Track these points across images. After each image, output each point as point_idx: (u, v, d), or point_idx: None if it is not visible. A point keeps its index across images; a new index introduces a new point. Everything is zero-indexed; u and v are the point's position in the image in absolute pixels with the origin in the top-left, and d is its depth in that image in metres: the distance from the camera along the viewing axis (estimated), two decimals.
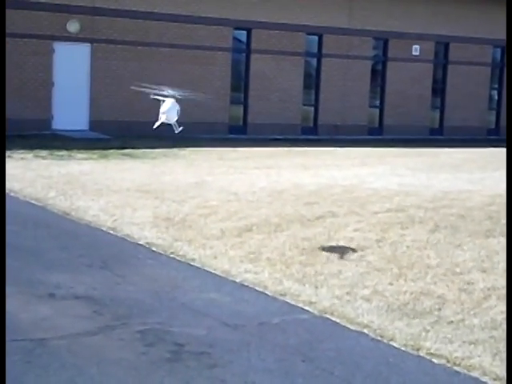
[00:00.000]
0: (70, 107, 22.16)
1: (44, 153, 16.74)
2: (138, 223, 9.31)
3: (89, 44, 22.40)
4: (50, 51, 21.99)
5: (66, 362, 4.87)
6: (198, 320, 5.85)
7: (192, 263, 7.62)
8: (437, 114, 28.40)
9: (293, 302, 6.36)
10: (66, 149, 17.61)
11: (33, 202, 10.75)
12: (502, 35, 26.09)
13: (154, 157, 17.01)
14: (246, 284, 6.90)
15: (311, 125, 26.07)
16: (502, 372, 4.94)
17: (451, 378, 4.91)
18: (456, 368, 5.03)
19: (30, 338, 5.24)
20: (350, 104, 26.12)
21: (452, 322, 5.89)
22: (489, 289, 6.75)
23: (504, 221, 9.49)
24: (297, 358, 5.10)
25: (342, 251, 8.04)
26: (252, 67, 24.80)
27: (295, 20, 24.60)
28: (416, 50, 27.07)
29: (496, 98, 29.53)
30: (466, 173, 15.12)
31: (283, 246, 8.23)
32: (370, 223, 9.35)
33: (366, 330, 5.69)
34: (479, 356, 5.19)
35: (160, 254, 7.99)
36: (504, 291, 6.66)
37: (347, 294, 6.57)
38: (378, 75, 27.19)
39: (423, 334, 5.61)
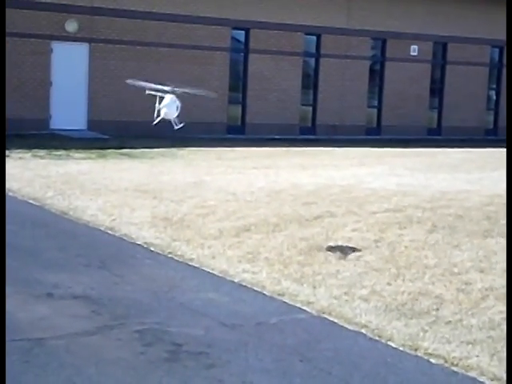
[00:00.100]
0: (68, 107, 22.15)
1: (42, 152, 16.73)
2: (136, 223, 9.31)
3: (87, 44, 22.39)
4: (49, 51, 21.98)
5: (64, 361, 4.87)
6: (196, 320, 5.85)
7: (190, 263, 7.62)
8: (435, 114, 28.41)
9: (291, 302, 6.36)
10: (64, 148, 17.61)
11: (31, 201, 10.75)
12: (500, 35, 26.11)
13: (152, 156, 17.01)
14: (244, 284, 6.90)
15: (309, 125, 26.07)
16: (500, 372, 4.94)
17: (449, 378, 4.92)
18: (454, 368, 5.03)
19: (28, 338, 5.24)
20: (348, 104, 26.13)
21: (450, 322, 5.89)
22: (487, 289, 6.75)
23: (502, 221, 9.50)
24: (295, 358, 5.10)
25: (340, 251, 8.04)
26: (250, 67, 24.80)
27: (293, 20, 24.61)
28: (414, 50, 27.08)
29: (494, 98, 29.54)
30: (464, 173, 15.12)
31: (281, 246, 8.24)
32: (368, 223, 9.35)
33: (363, 330, 5.69)
34: (477, 356, 5.20)
35: (158, 253, 7.99)
36: (502, 291, 6.66)
37: (345, 293, 6.58)
38: (377, 75, 27.20)
39: (421, 334, 5.61)
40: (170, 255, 7.90)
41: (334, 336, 5.64)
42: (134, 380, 4.68)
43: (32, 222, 9.51)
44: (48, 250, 8.02)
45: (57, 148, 17.59)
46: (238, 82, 25.04)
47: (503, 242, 8.47)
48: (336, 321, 5.91)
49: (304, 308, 6.21)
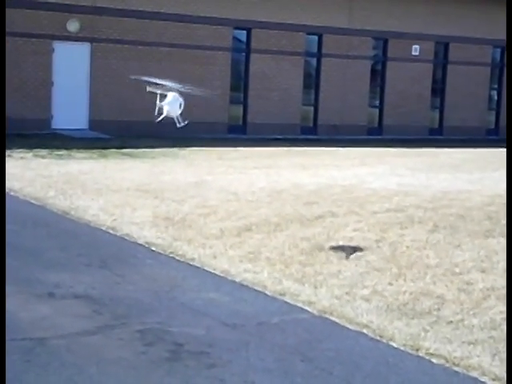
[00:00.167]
0: (70, 106, 22.16)
1: (43, 152, 16.74)
2: (138, 223, 9.31)
3: (89, 43, 22.39)
4: (50, 50, 21.99)
5: (66, 361, 4.87)
6: (197, 320, 5.85)
7: (191, 263, 7.62)
8: (436, 114, 28.40)
9: (292, 302, 6.36)
10: (66, 148, 17.61)
11: (32, 201, 10.75)
12: (501, 35, 26.08)
13: (153, 156, 17.01)
14: (245, 284, 6.90)
15: (311, 125, 26.07)
16: (501, 372, 4.94)
17: (450, 378, 4.92)
18: (455, 368, 5.03)
19: (30, 337, 5.24)
20: (349, 104, 26.12)
21: (451, 322, 5.89)
22: (488, 289, 6.75)
23: (503, 221, 9.49)
24: (296, 358, 5.10)
25: (342, 251, 8.04)
26: (252, 67, 24.80)
27: (295, 20, 24.60)
28: (416, 49, 27.08)
29: (495, 98, 29.53)
30: (465, 173, 15.12)
31: (283, 246, 8.24)
32: (369, 223, 9.35)
33: (365, 330, 5.69)
34: (478, 356, 5.19)
35: (159, 253, 7.99)
36: (503, 291, 6.66)
37: (346, 293, 6.57)
38: (378, 75, 27.19)
39: (422, 333, 5.61)
40: (171, 255, 7.90)
41: (335, 336, 5.64)
42: (135, 380, 4.68)
43: (33, 221, 9.52)
44: (49, 249, 8.02)
45: (58, 148, 17.59)
46: (240, 82, 25.04)
47: (504, 241, 8.46)
48: (337, 321, 5.91)
49: (305, 308, 6.20)
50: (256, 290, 6.70)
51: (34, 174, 13.25)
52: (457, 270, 7.39)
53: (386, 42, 26.75)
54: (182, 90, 8.93)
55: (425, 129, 27.67)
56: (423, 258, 7.80)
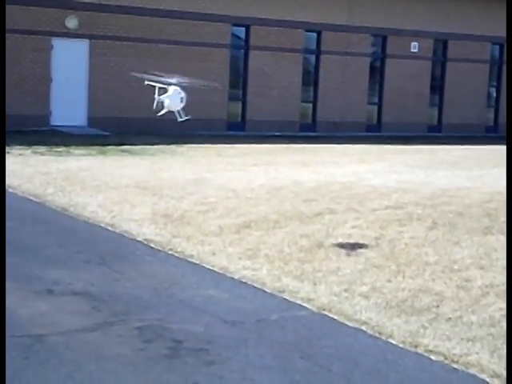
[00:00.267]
0: (69, 103, 22.14)
1: (42, 149, 16.73)
2: (137, 219, 9.31)
3: (87, 40, 22.37)
4: (49, 47, 21.96)
5: (65, 357, 4.87)
6: (196, 316, 5.86)
7: (190, 260, 7.62)
8: (435, 111, 28.40)
9: (291, 299, 6.36)
10: (65, 145, 17.60)
11: (31, 198, 10.75)
12: (500, 32, 26.09)
13: (152, 153, 17.01)
14: (244, 281, 6.90)
15: (310, 121, 26.07)
16: (500, 369, 4.94)
17: (449, 375, 4.92)
18: (454, 365, 5.03)
19: (29, 334, 5.24)
20: (348, 101, 26.12)
21: (450, 319, 5.90)
22: (487, 286, 6.76)
23: (502, 218, 9.50)
24: (295, 355, 5.11)
25: (343, 248, 8.04)
26: (251, 64, 24.79)
27: (294, 17, 24.59)
28: (415, 47, 27.06)
29: (494, 95, 29.52)
30: (464, 170, 15.13)
31: (282, 243, 8.24)
32: (368, 220, 9.35)
33: (364, 327, 5.69)
34: (477, 353, 5.20)
35: (158, 250, 7.99)
36: (502, 288, 6.67)
37: (345, 290, 6.57)
38: (377, 72, 27.18)
39: (421, 330, 5.61)
40: (170, 252, 7.90)
41: (334, 333, 5.64)
42: (134, 376, 4.68)
43: (32, 218, 9.51)
44: (48, 246, 8.02)
45: (57, 144, 17.59)
46: (239, 79, 25.02)
47: (503, 239, 8.47)
48: (336, 318, 5.91)
49: (304, 305, 6.21)
50: (255, 287, 6.70)
51: (32, 170, 13.24)
52: (456, 267, 7.40)
53: (384, 39, 26.73)
54: (184, 83, 8.89)
55: (424, 126, 27.67)
56: (422, 255, 7.81)
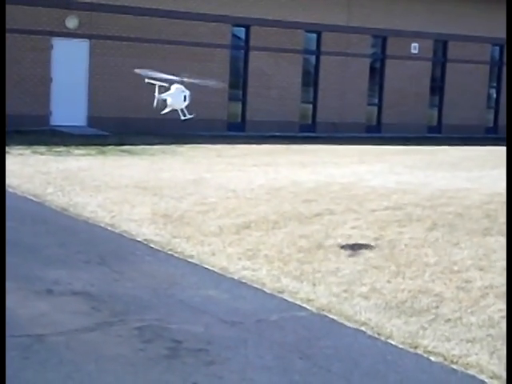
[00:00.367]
0: (69, 103, 22.15)
1: (42, 149, 16.73)
2: (136, 220, 9.31)
3: (87, 40, 22.38)
4: (49, 47, 21.97)
5: (64, 357, 4.87)
6: (195, 317, 5.86)
7: (190, 260, 7.62)
8: (435, 112, 28.40)
9: (291, 300, 6.36)
10: (65, 145, 17.60)
11: (31, 197, 10.75)
12: (500, 33, 26.10)
13: (152, 153, 17.01)
14: (243, 281, 6.90)
15: (309, 122, 26.07)
16: (499, 370, 4.94)
17: (448, 376, 4.92)
18: (453, 366, 5.03)
19: (28, 334, 5.24)
20: (348, 102, 26.12)
21: (449, 319, 5.90)
22: (486, 287, 6.76)
23: (502, 219, 9.50)
24: (294, 355, 5.11)
25: (341, 248, 8.04)
26: (250, 64, 24.79)
27: (294, 17, 24.60)
28: (415, 48, 27.07)
29: (494, 96, 29.53)
30: (464, 171, 15.13)
31: (281, 244, 8.24)
32: (367, 221, 9.35)
33: (363, 328, 5.69)
34: (476, 354, 5.20)
35: (158, 250, 7.99)
36: (502, 289, 6.67)
37: (345, 291, 6.58)
38: (377, 73, 27.18)
39: (421, 331, 5.61)
40: (169, 252, 7.90)
41: (333, 333, 5.64)
42: (133, 376, 4.68)
43: (32, 218, 9.51)
44: (48, 246, 8.02)
45: (57, 144, 17.59)
46: (239, 79, 25.03)
47: (503, 240, 8.47)
48: (336, 318, 5.91)
49: (304, 305, 6.21)
50: (255, 288, 6.70)
51: (32, 170, 13.24)
52: (455, 268, 7.40)
53: (384, 39, 26.74)
54: (186, 82, 8.89)
55: (423, 127, 27.67)
56: (422, 256, 7.81)
